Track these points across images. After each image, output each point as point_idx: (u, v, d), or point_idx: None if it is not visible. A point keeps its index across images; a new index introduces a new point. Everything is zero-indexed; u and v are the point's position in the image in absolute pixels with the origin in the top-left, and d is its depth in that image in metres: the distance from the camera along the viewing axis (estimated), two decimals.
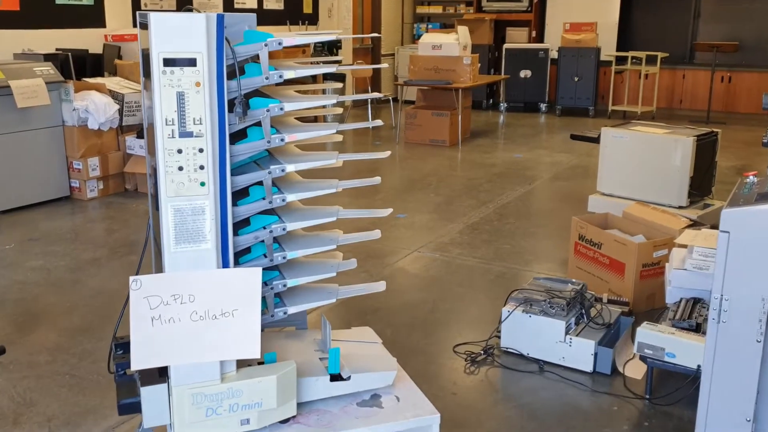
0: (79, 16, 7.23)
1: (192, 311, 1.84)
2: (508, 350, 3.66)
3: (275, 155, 2.05)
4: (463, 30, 8.77)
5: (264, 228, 1.96)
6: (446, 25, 12.56)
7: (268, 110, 1.87)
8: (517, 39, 11.65)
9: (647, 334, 3.20)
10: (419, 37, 9.03)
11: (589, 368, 3.47)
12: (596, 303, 3.74)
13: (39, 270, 4.80)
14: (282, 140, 1.89)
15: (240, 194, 1.96)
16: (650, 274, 4.09)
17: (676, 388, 3.25)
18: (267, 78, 1.84)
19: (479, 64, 9.59)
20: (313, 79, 9.63)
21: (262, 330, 1.97)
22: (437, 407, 2.18)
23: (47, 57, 6.27)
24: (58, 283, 4.58)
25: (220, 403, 1.92)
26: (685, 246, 3.82)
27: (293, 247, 2.03)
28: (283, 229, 1.96)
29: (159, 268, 2.03)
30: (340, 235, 2.12)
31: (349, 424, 2.06)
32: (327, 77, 9.85)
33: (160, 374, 1.92)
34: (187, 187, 1.78)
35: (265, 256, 2.00)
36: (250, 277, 1.87)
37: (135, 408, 1.91)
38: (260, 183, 1.94)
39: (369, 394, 2.20)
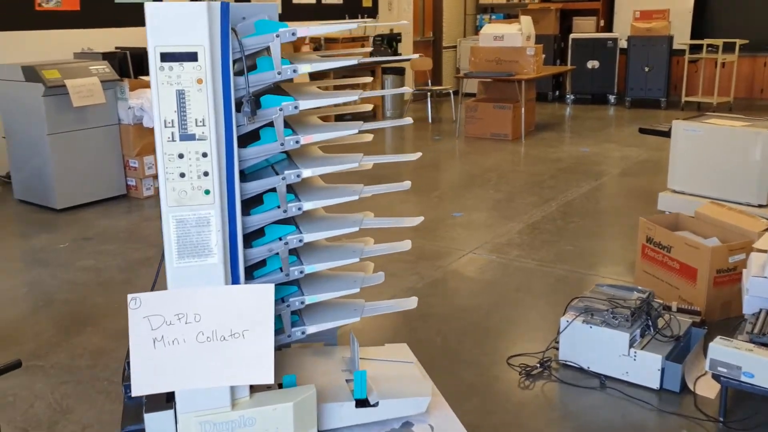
0: (138, 15, 7.23)
1: (198, 332, 1.66)
2: (567, 363, 3.38)
3: (295, 159, 1.85)
4: (526, 20, 8.41)
5: (279, 239, 1.77)
6: (510, 15, 12.16)
7: (281, 109, 1.66)
8: (584, 28, 11.17)
9: (721, 350, 2.87)
10: (482, 28, 8.73)
11: (655, 385, 3.15)
12: (664, 312, 3.41)
13: (89, 270, 4.76)
14: (297, 142, 1.69)
15: (255, 202, 1.77)
16: (725, 281, 3.72)
17: (755, 412, 2.91)
18: (279, 73, 1.63)
19: (543, 55, 9.20)
20: (372, 73, 9.44)
21: (283, 348, 1.78)
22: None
23: (105, 56, 6.27)
24: (108, 283, 4.53)
25: None
26: (765, 251, 3.45)
27: (312, 259, 1.82)
28: (300, 241, 1.76)
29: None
30: (365, 247, 1.91)
31: None
32: (387, 71, 9.64)
33: (168, 399, 1.75)
34: (190, 196, 1.59)
35: (281, 270, 1.80)
36: (262, 294, 1.68)
37: None
38: (274, 190, 1.75)
39: (400, 422, 1.98)
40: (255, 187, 1.69)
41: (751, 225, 3.82)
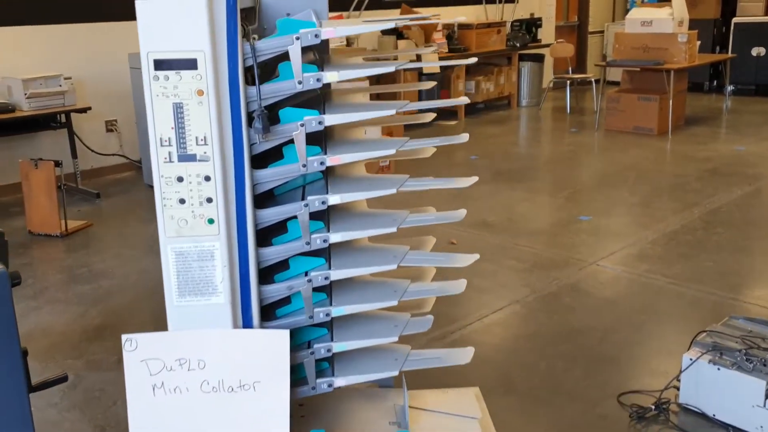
0: None
1: (202, 380, 1.43)
2: (688, 407, 2.88)
3: (332, 179, 1.57)
4: (678, 3, 7.59)
5: (305, 275, 1.50)
6: None
7: (302, 124, 1.39)
8: (750, 11, 10.01)
9: None
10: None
11: None
12: None
13: None
14: (322, 164, 1.41)
15: (282, 228, 1.51)
16: None
17: None
18: (301, 83, 1.36)
19: (699, 42, 8.30)
20: (509, 60, 8.96)
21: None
22: None
23: None
24: None
25: None
26: None
27: (344, 299, 1.54)
28: (326, 279, 1.48)
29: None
30: (407, 285, 1.59)
31: None
32: (524, 57, 9.11)
33: None
34: (191, 226, 1.36)
35: (307, 315, 1.53)
36: (275, 341, 1.42)
37: None
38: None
39: None
40: (272, 215, 1.43)
41: None
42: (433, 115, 1.77)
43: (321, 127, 1.39)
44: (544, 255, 4.64)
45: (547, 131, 8.39)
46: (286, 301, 1.53)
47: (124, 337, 1.39)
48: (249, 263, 1.41)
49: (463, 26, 8.39)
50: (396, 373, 1.56)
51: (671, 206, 5.42)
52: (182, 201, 1.34)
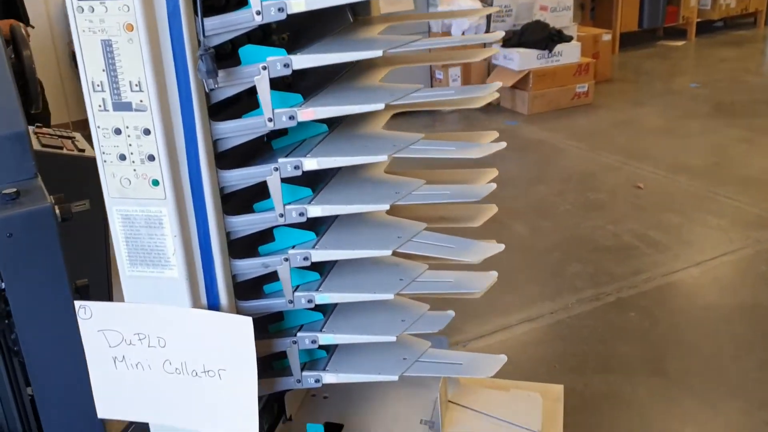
0: None
1: (164, 360, 1.25)
2: None
3: (327, 139, 1.24)
4: None
5: (293, 249, 1.22)
6: None
7: (265, 67, 1.08)
8: None
9: None
10: None
11: None
12: None
13: None
14: (291, 118, 1.10)
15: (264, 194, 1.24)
16: None
17: None
18: (259, 13, 1.04)
19: None
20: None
21: None
22: None
23: None
24: None
25: None
26: None
27: (336, 283, 1.24)
28: (305, 259, 1.19)
29: None
30: (422, 269, 1.24)
31: None
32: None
33: None
34: (134, 186, 1.14)
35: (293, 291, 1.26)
36: (238, 328, 1.18)
37: None
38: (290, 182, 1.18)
39: None
40: (236, 178, 1.16)
41: None
42: (484, 50, 1.35)
43: (288, 71, 1.08)
44: (749, 210, 3.86)
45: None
46: (275, 276, 1.28)
47: (77, 303, 1.24)
48: (210, 233, 1.17)
49: None
50: (395, 378, 1.25)
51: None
52: (122, 157, 1.13)
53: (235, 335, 1.20)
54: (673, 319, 2.97)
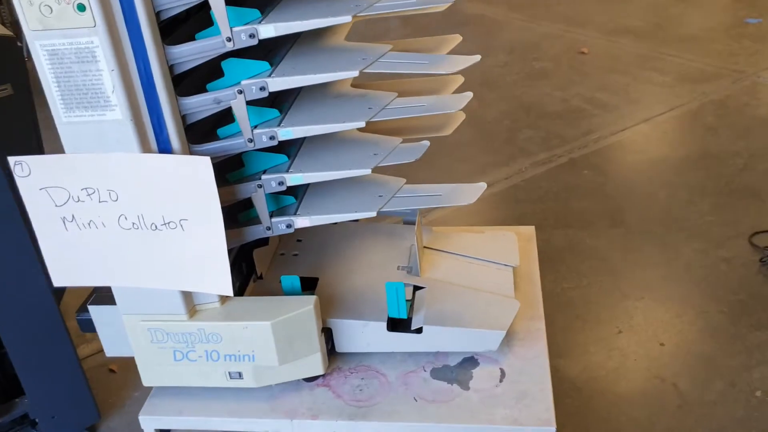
0: None
1: (119, 215, 1.13)
2: None
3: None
4: None
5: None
6: None
7: None
8: None
9: None
10: None
11: None
12: None
13: None
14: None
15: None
16: None
17: None
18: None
19: None
20: None
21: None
22: None
23: None
24: None
25: (192, 347, 1.24)
26: None
27: (298, 119, 1.13)
28: (262, 89, 1.07)
29: None
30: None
31: (396, 407, 1.23)
32: None
33: None
34: (57, 14, 0.99)
35: (252, 129, 1.14)
36: (196, 168, 1.07)
37: (92, 327, 1.34)
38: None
39: (461, 356, 1.32)
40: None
41: None
42: None
43: None
44: (692, 66, 3.85)
45: None
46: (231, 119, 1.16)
47: (11, 159, 1.10)
48: (151, 66, 1.04)
49: None
50: (373, 213, 1.17)
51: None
52: None
53: (193, 179, 1.09)
54: (626, 174, 2.98)
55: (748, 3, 4.63)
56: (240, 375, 1.28)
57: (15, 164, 1.11)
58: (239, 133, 1.15)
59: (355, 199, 1.20)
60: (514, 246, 1.50)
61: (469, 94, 1.27)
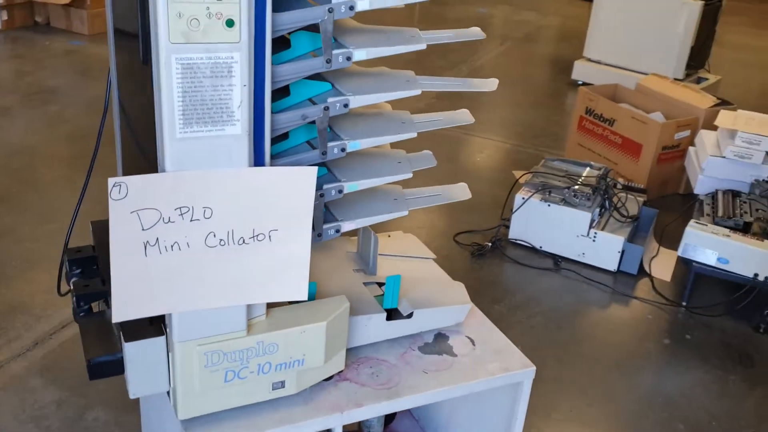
0: None
1: (208, 233, 1.11)
2: (518, 242, 3.09)
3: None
4: None
5: (311, 102, 1.21)
6: None
7: None
8: None
9: (697, 234, 2.68)
10: None
11: (613, 267, 2.95)
12: (619, 191, 3.18)
13: None
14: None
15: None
16: (668, 158, 3.55)
17: (729, 298, 2.76)
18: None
19: None
20: None
21: None
22: None
23: None
24: None
25: (245, 363, 1.24)
26: (716, 129, 3.27)
27: (356, 132, 1.28)
28: (345, 106, 1.21)
29: (136, 167, 1.26)
30: (416, 119, 1.38)
31: (415, 382, 1.43)
32: None
33: (151, 321, 1.21)
34: (204, 28, 0.99)
35: (312, 147, 1.25)
36: (301, 180, 1.14)
37: (113, 369, 1.21)
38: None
39: (431, 334, 1.57)
40: (290, 21, 1.09)
41: (699, 101, 3.62)
42: None
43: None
44: None
45: None
46: (282, 136, 1.23)
47: (111, 181, 0.99)
48: (265, 82, 1.08)
49: None
50: (405, 212, 1.38)
51: (440, 64, 5.58)
52: None
53: (293, 188, 1.15)
54: None
55: None
56: (282, 384, 1.32)
57: (113, 186, 1.01)
58: (304, 144, 1.24)
59: (380, 203, 1.38)
60: (420, 244, 1.81)
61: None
